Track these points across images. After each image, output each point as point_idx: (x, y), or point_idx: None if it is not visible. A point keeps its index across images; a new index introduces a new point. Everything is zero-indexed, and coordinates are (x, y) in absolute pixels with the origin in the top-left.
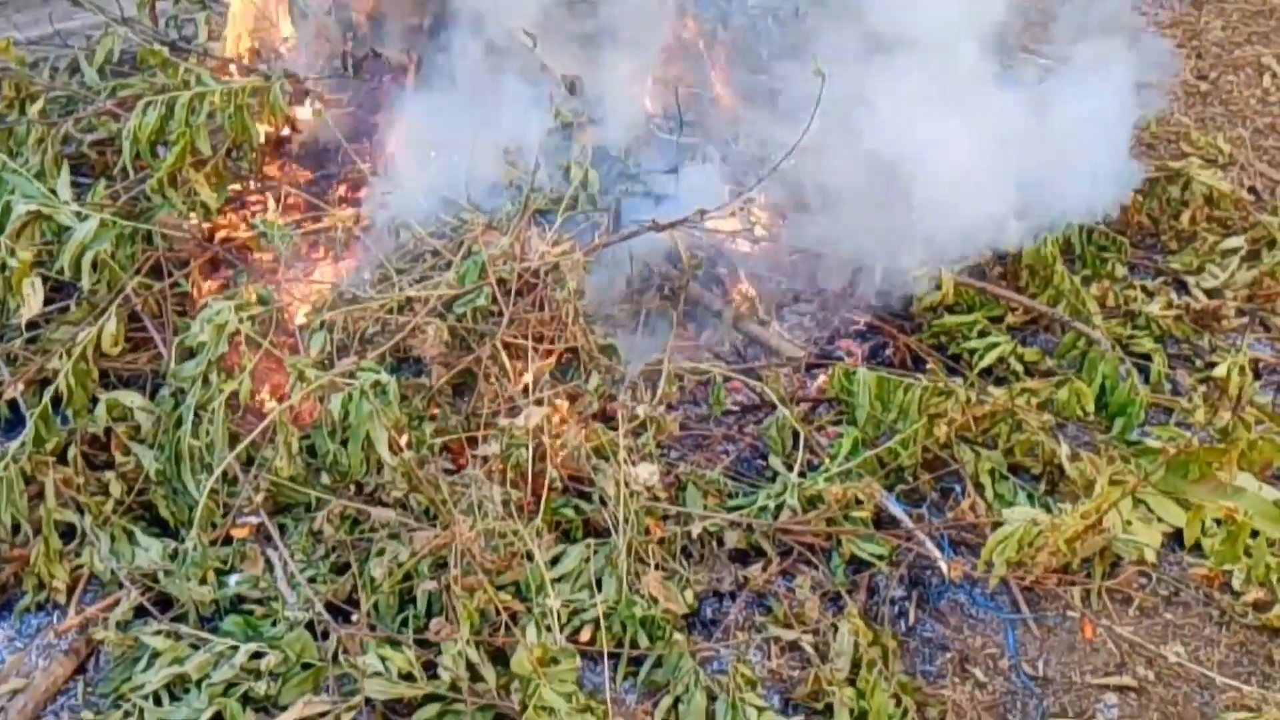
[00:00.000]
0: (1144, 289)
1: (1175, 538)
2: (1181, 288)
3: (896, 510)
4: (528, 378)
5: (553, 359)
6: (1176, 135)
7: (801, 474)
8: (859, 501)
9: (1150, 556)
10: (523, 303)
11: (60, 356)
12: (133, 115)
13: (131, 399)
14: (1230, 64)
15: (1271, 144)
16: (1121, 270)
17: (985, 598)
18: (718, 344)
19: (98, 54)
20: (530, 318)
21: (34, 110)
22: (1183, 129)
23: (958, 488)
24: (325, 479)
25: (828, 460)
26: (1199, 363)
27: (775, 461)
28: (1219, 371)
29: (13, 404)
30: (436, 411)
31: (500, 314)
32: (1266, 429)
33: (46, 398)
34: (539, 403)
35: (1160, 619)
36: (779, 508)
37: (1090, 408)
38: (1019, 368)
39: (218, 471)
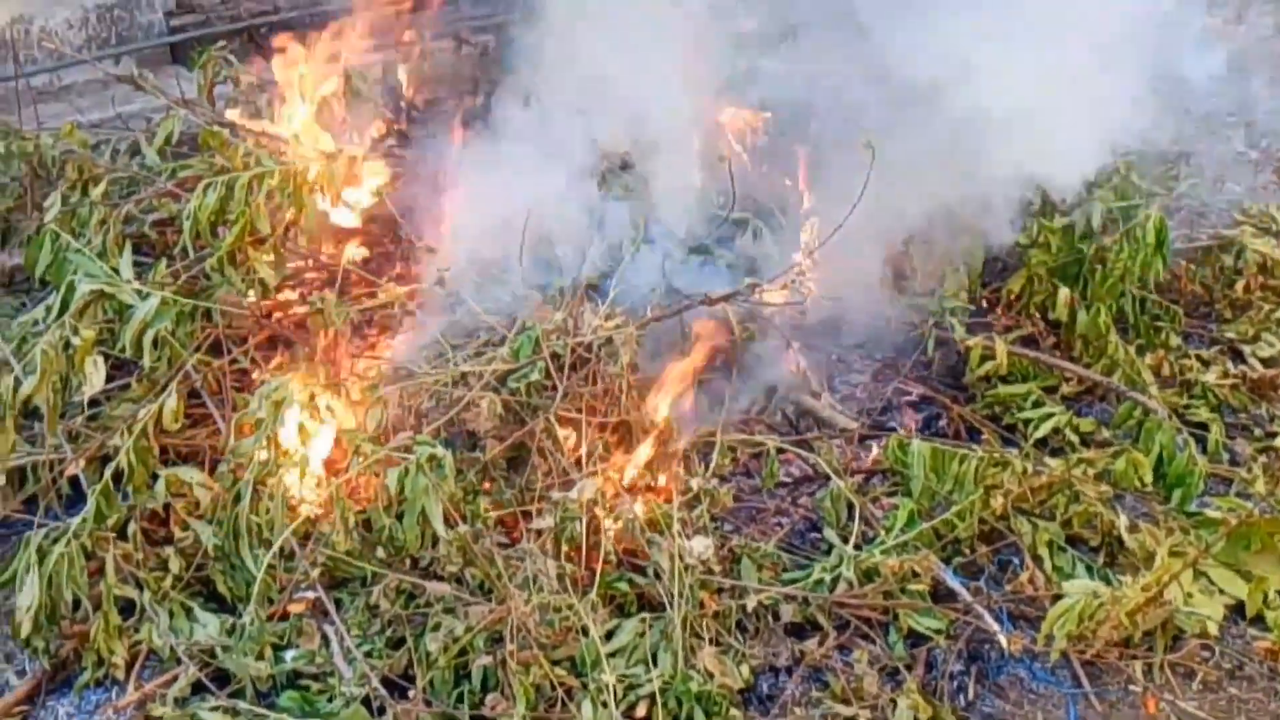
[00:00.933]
0: (1199, 358)
1: (1237, 610)
2: (1237, 356)
3: (954, 583)
4: (581, 451)
5: (606, 432)
6: (1228, 204)
7: (857, 546)
8: (916, 574)
9: (1213, 630)
10: (576, 377)
11: (121, 434)
12: (193, 196)
13: (191, 474)
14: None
15: None
16: (1176, 339)
17: (1046, 672)
18: (769, 415)
19: (158, 136)
20: (584, 391)
21: (97, 192)
22: (1235, 198)
23: (1016, 560)
24: (381, 553)
25: (883, 532)
26: (1258, 432)
27: (830, 534)
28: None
29: (74, 480)
30: (491, 486)
31: (554, 388)
32: None
33: (108, 474)
34: (593, 476)
35: (1224, 694)
36: (835, 581)
37: (1148, 478)
38: (1075, 438)
39: (275, 546)
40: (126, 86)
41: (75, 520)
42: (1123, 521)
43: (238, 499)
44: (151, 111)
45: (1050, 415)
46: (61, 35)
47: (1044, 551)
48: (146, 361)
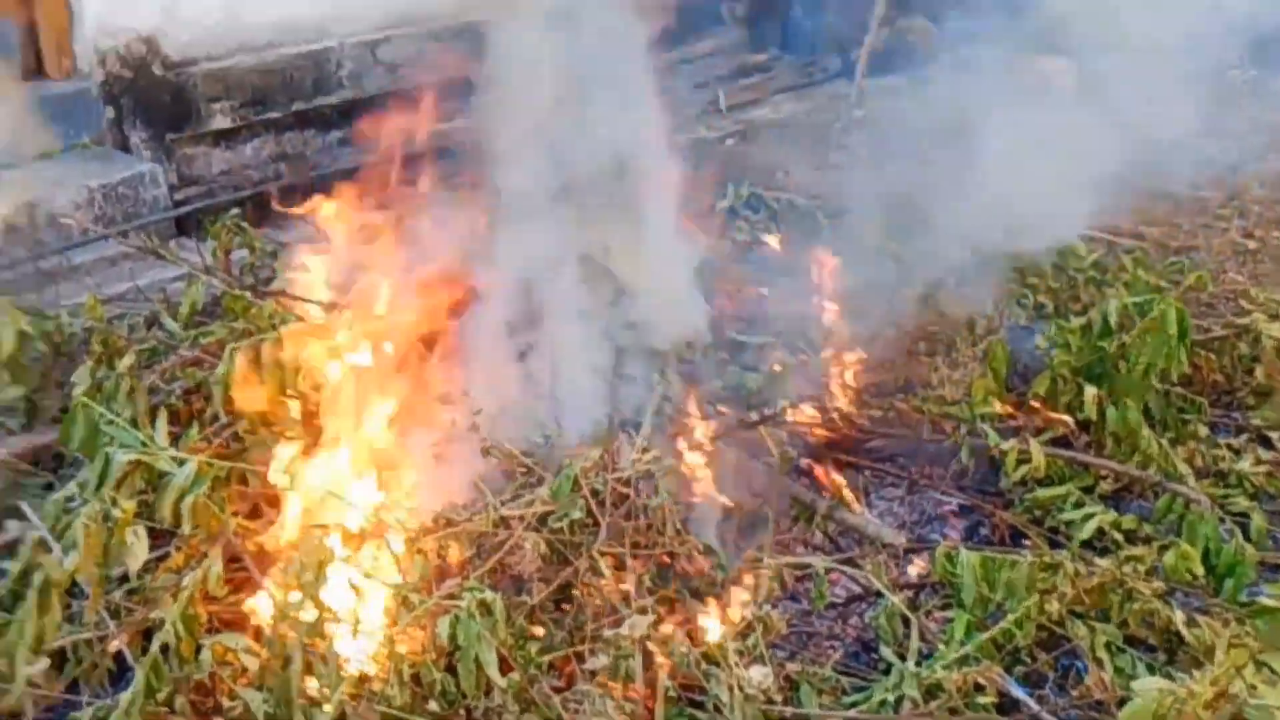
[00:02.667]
0: (1229, 447)
1: None
2: (1265, 443)
3: (1020, 693)
4: (628, 586)
5: (651, 565)
6: (1234, 293)
7: (916, 663)
8: (980, 687)
9: None
10: (618, 513)
11: (166, 604)
12: (221, 361)
13: (237, 641)
14: (1274, 221)
15: None
16: (1204, 430)
17: None
18: (809, 535)
19: (184, 303)
20: (626, 526)
21: (124, 364)
22: (1239, 286)
23: (1077, 664)
24: (434, 706)
25: (941, 646)
26: None
27: (887, 652)
28: None
29: (116, 656)
30: (540, 629)
31: (596, 525)
32: None
33: (155, 646)
34: (642, 611)
35: None
36: (898, 700)
37: (1198, 570)
38: (1119, 536)
39: (330, 708)
40: (134, 262)
41: (124, 696)
42: (1179, 616)
43: (287, 663)
44: (164, 283)
45: (1092, 515)
46: (68, 216)
47: (1104, 654)
48: (186, 528)
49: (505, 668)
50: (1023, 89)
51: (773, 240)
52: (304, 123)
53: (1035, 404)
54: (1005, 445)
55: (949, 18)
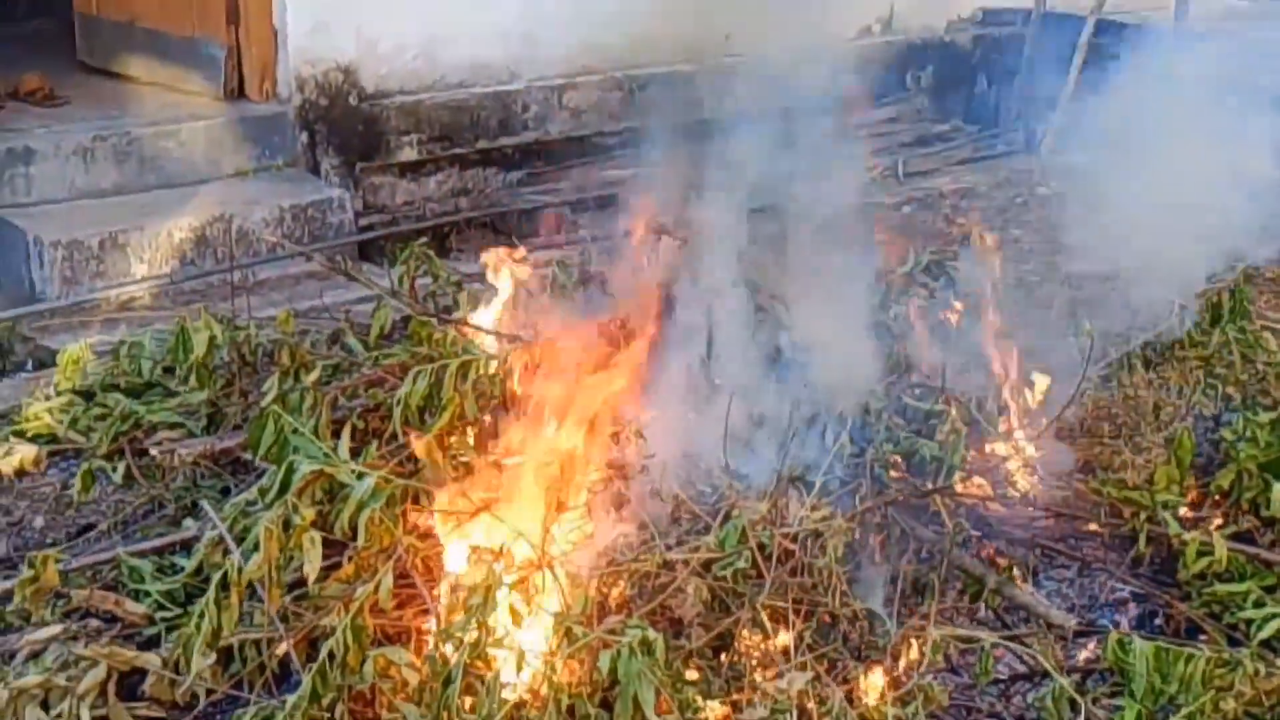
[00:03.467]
0: None
1: None
2: None
3: None
4: (787, 639)
5: (813, 623)
6: None
7: None
8: None
9: None
10: (783, 568)
11: (337, 612)
12: (405, 383)
13: (400, 655)
14: None
15: None
16: None
17: None
18: (976, 609)
19: (373, 324)
20: (791, 582)
21: (310, 378)
22: None
23: None
24: None
25: None
26: None
27: None
28: None
29: (283, 660)
30: (698, 675)
31: (760, 577)
32: None
33: (324, 653)
34: (801, 667)
35: None
36: None
37: None
38: None
39: None
40: (318, 281)
41: (290, 699)
42: None
43: (448, 681)
44: (346, 304)
45: (1275, 615)
46: (258, 233)
47: None
48: (361, 540)
49: (660, 709)
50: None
51: (954, 308)
52: (487, 161)
53: (1218, 497)
54: (1187, 535)
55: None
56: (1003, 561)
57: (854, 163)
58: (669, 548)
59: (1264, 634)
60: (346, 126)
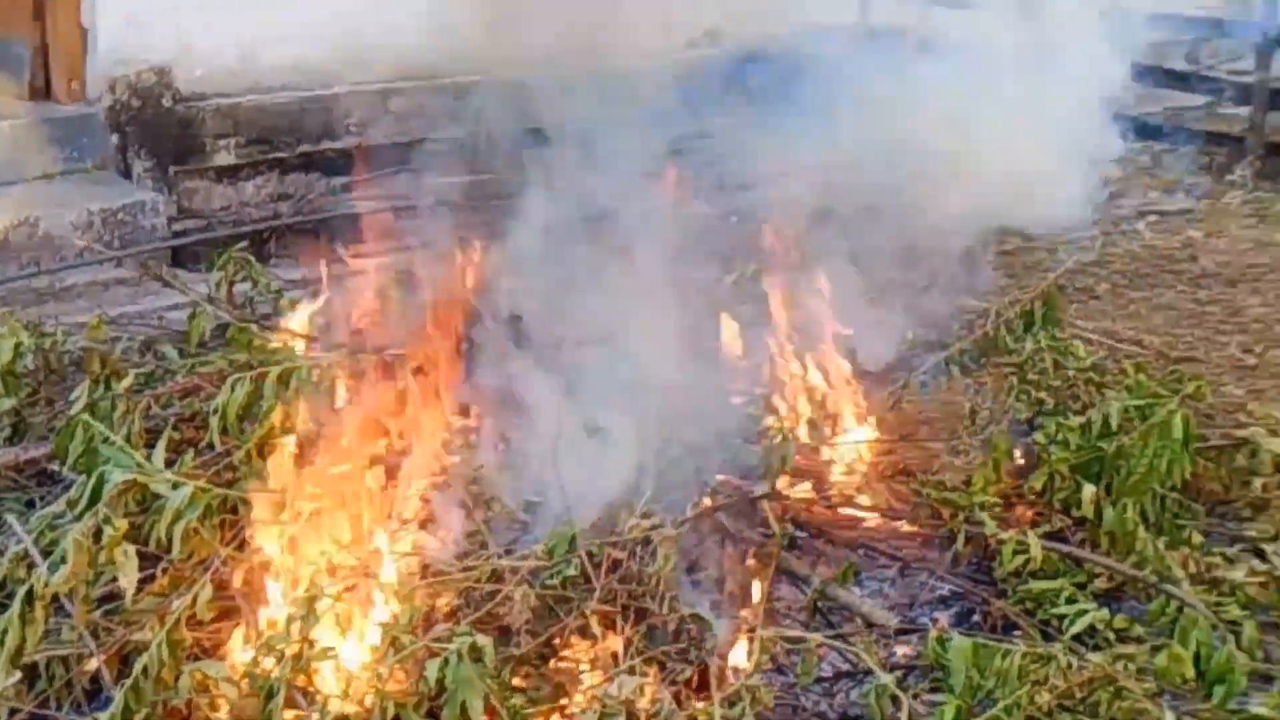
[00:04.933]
0: (1224, 556)
1: None
2: (1259, 555)
3: None
4: (617, 645)
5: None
6: (1233, 407)
7: None
8: None
9: None
10: (613, 576)
11: (151, 627)
12: (222, 391)
13: (216, 669)
14: (1273, 340)
15: None
16: (1199, 538)
17: None
18: (800, 610)
19: (191, 332)
20: (620, 589)
21: (122, 385)
22: (1238, 401)
23: None
24: None
25: None
26: None
27: None
28: None
29: (93, 677)
30: (527, 682)
31: (590, 585)
32: None
33: (137, 669)
34: (630, 672)
35: None
36: None
37: (1189, 674)
38: (1110, 635)
39: None
40: (129, 288)
41: (102, 717)
42: (1170, 718)
43: (270, 695)
44: (159, 311)
45: (1085, 611)
46: (66, 238)
47: None
48: (176, 553)
49: (489, 716)
50: None
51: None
52: (309, 165)
53: (1032, 498)
54: (1003, 535)
55: None
56: (825, 566)
57: (678, 173)
58: (499, 556)
59: (1075, 629)
60: (160, 128)
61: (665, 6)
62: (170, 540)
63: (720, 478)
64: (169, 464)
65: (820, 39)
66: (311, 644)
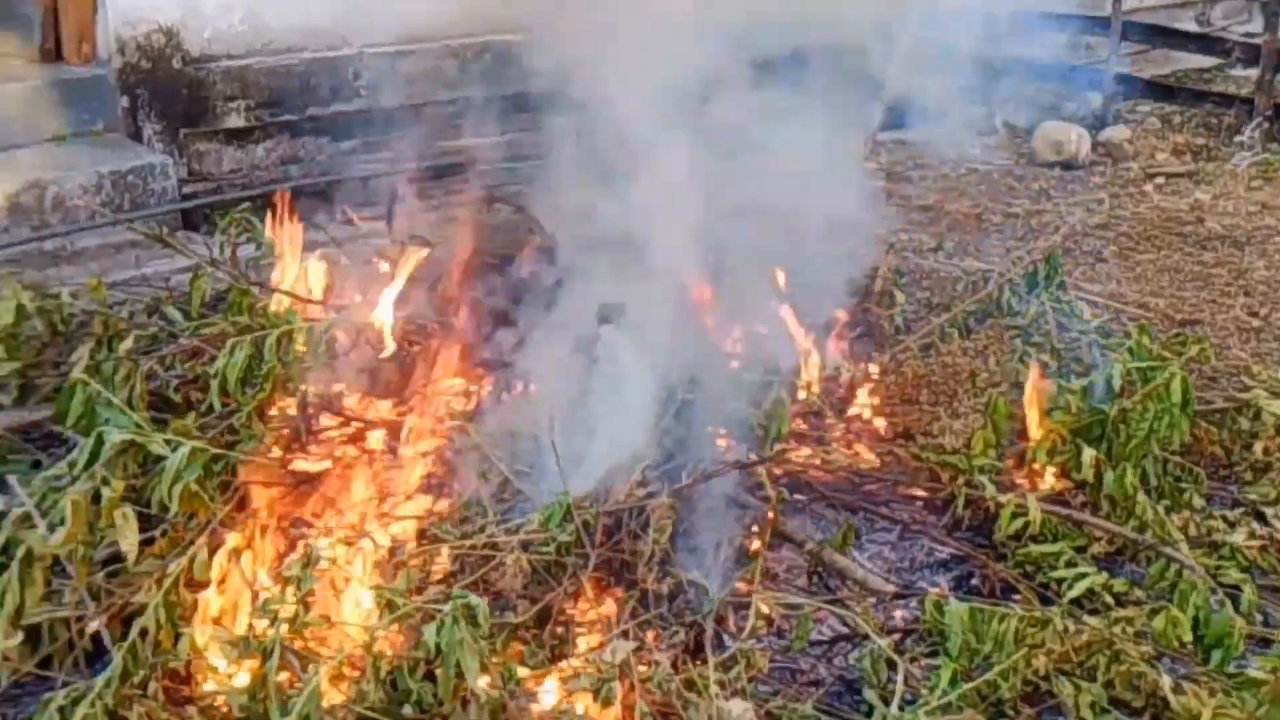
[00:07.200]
0: (1224, 519)
1: None
2: (1260, 519)
3: None
4: (611, 610)
5: (636, 593)
6: (1236, 370)
7: (900, 708)
8: None
9: None
10: (609, 543)
11: (149, 589)
12: (221, 354)
13: (216, 631)
14: (1278, 302)
15: None
16: (1199, 501)
17: None
18: (798, 574)
19: (193, 295)
20: (615, 557)
21: (123, 347)
22: (1241, 363)
23: None
24: (409, 712)
25: (925, 693)
26: None
27: (870, 695)
28: None
29: (95, 638)
30: (521, 647)
31: (585, 552)
32: None
33: (135, 631)
34: (624, 636)
35: None
36: None
37: (1187, 637)
38: (1109, 598)
39: (301, 703)
40: (139, 251)
41: (99, 679)
42: (1166, 682)
43: (266, 657)
44: (167, 274)
45: (1084, 574)
46: (76, 200)
47: (1088, 713)
48: (175, 512)
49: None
50: None
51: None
52: (318, 128)
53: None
54: (1002, 499)
55: None
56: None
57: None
58: (495, 524)
59: (1074, 593)
60: (170, 91)
61: None
62: (170, 501)
63: (720, 441)
64: (168, 425)
65: None
66: (307, 606)
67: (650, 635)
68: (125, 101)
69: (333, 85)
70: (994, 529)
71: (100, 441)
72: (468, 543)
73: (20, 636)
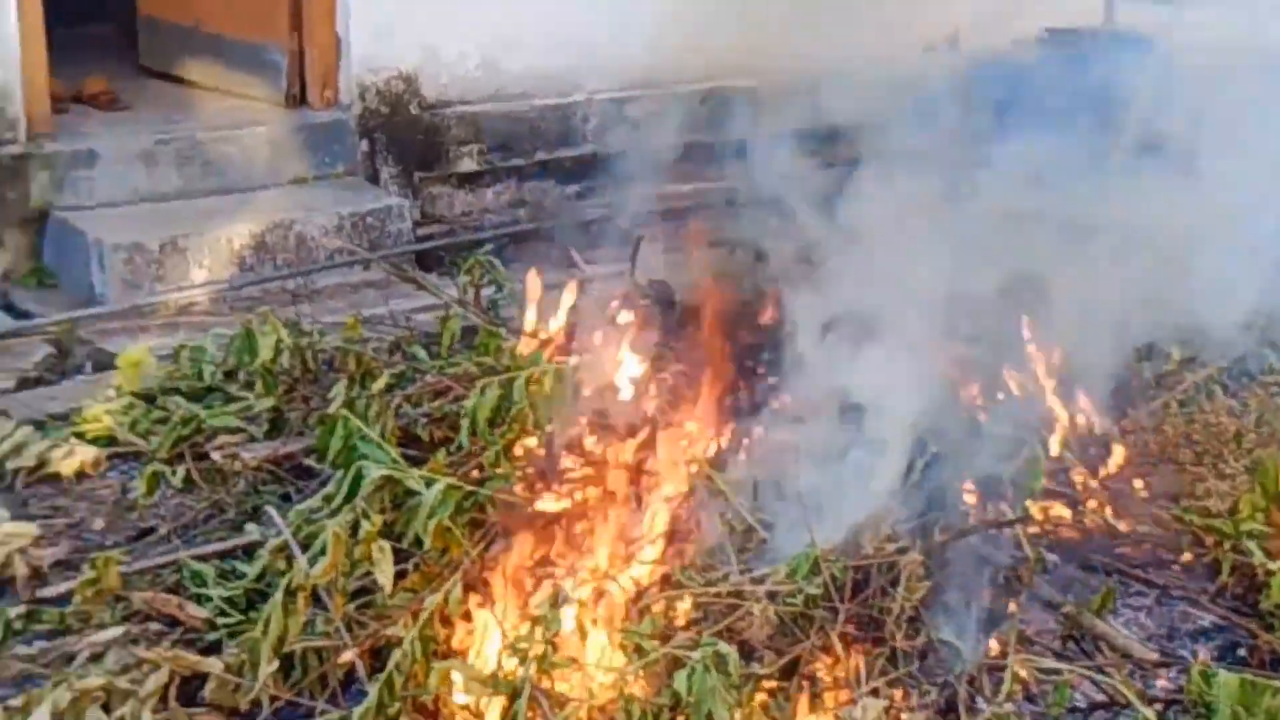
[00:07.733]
0: None
1: None
2: None
3: None
4: (860, 668)
5: (886, 651)
6: None
7: None
8: None
9: None
10: (857, 599)
11: (404, 623)
12: (473, 393)
13: (464, 668)
14: None
15: None
16: None
17: None
18: (1053, 638)
19: (444, 334)
20: (863, 612)
21: (377, 385)
22: None
23: None
24: None
25: None
26: None
27: None
28: None
29: (348, 670)
30: (767, 699)
31: (832, 606)
32: None
33: (392, 664)
34: (874, 694)
35: None
36: None
37: None
38: None
39: None
40: (376, 290)
41: (356, 710)
42: None
43: (514, 696)
44: (406, 313)
45: None
46: (317, 240)
47: None
48: (426, 547)
49: None
50: None
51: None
52: (546, 172)
53: None
54: (1272, 565)
55: None
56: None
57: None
58: (739, 573)
59: None
60: (406, 135)
61: (902, 11)
62: (424, 536)
63: (969, 497)
64: (418, 463)
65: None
66: (555, 646)
67: (898, 694)
68: (364, 145)
69: (561, 130)
70: (1260, 597)
71: (360, 476)
72: (713, 590)
73: (277, 664)
